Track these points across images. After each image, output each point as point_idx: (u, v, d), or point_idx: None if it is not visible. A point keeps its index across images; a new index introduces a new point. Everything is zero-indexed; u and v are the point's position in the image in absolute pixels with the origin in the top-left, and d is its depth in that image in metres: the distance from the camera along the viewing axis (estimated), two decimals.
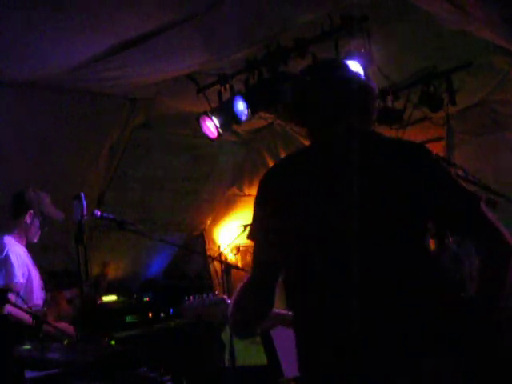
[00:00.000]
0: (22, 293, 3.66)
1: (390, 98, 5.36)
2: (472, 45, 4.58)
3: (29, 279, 3.88)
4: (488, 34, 3.86)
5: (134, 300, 5.78)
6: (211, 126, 5.02)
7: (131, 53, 4.00)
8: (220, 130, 5.00)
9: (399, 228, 1.79)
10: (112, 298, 5.72)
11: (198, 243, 7.16)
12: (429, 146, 1.91)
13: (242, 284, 1.97)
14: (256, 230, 1.94)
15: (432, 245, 2.53)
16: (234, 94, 4.89)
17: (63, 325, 3.81)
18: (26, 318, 3.31)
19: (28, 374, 2.82)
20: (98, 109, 5.03)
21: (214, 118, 4.98)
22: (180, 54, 4.31)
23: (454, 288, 1.85)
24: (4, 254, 3.78)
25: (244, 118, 4.91)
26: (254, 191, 2.13)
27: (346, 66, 2.01)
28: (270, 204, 1.89)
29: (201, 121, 5.05)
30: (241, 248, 6.88)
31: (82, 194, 3.40)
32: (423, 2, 3.77)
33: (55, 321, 3.81)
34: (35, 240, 4.05)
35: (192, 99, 5.07)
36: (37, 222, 3.99)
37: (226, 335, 4.33)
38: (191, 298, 2.50)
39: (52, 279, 4.83)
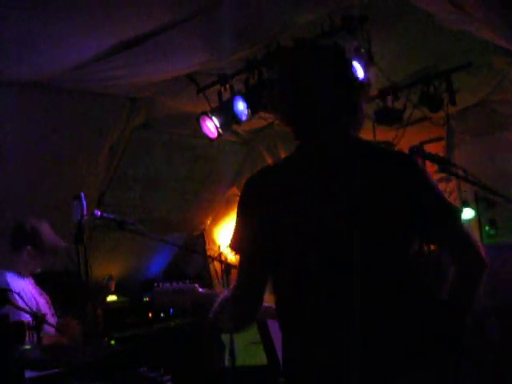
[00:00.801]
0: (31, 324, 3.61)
1: (389, 98, 5.36)
2: (472, 45, 4.58)
3: (37, 309, 3.84)
4: (488, 34, 3.87)
5: (134, 300, 5.78)
6: (211, 126, 5.02)
7: (131, 53, 4.00)
8: (220, 130, 5.00)
9: (391, 230, 1.81)
10: (112, 298, 5.72)
11: (198, 243, 7.16)
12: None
13: (226, 292, 1.93)
14: (245, 231, 1.89)
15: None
16: (233, 94, 4.89)
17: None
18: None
19: (28, 373, 2.81)
20: (98, 109, 5.03)
21: (213, 118, 4.98)
22: (180, 53, 4.31)
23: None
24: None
25: (244, 117, 4.92)
26: None
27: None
28: (261, 206, 1.86)
29: (201, 121, 5.05)
30: None
31: (82, 194, 3.39)
32: (423, 2, 3.78)
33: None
34: (38, 269, 3.96)
35: (192, 99, 5.07)
36: (37, 256, 3.89)
37: (225, 335, 4.33)
38: (160, 284, 2.53)
39: (52, 279, 4.81)
